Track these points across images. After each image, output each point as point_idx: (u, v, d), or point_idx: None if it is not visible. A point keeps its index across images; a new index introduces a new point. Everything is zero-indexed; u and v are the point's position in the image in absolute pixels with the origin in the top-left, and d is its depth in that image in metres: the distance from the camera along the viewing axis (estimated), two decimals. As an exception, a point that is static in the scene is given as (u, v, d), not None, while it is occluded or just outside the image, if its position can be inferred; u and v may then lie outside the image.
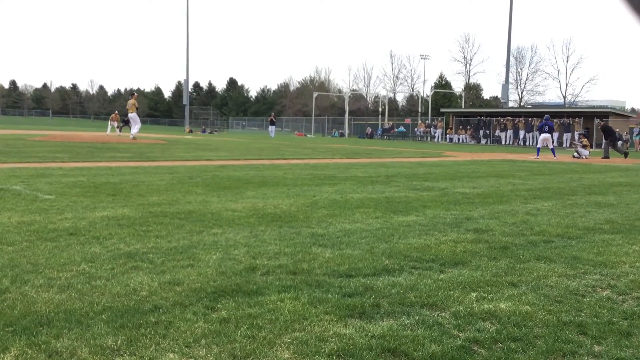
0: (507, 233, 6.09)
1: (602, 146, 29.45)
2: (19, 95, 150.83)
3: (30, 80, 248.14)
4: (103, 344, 2.81)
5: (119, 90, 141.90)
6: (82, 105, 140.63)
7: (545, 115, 26.99)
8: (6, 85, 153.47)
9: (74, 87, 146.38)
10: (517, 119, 46.25)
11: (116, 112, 41.72)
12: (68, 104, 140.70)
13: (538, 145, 25.77)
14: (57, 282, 3.79)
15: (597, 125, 32.62)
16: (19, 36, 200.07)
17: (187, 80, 68.28)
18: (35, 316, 3.15)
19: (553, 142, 26.18)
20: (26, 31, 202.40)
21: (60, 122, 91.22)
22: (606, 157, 25.48)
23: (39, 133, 32.99)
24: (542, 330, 3.23)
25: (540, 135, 25.72)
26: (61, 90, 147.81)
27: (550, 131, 25.28)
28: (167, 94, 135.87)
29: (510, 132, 46.24)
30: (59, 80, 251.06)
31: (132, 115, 28.45)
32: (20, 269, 4.05)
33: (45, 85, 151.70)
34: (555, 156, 23.93)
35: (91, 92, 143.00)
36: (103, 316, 3.18)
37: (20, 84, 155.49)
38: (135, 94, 32.81)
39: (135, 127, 28.46)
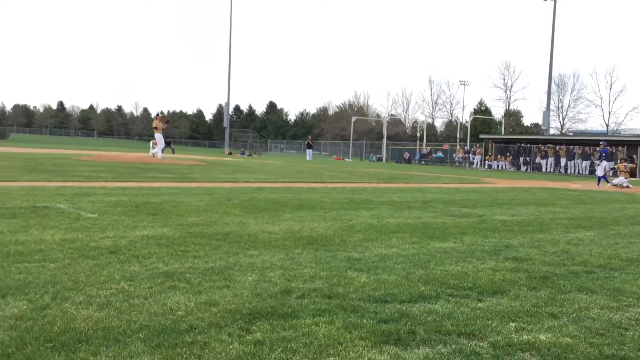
0: (547, 262, 5.96)
1: None
2: (66, 116, 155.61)
3: (77, 101, 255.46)
4: (139, 362, 2.84)
5: (162, 112, 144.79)
6: (126, 127, 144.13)
7: (604, 142, 26.47)
8: (54, 106, 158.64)
9: (119, 108, 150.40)
10: (558, 147, 45.47)
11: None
12: (113, 125, 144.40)
13: (601, 173, 24.90)
14: (96, 299, 3.86)
15: None
16: (67, 59, 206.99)
17: (227, 104, 69.39)
18: (74, 333, 3.20)
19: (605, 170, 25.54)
20: (74, 54, 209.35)
21: (105, 143, 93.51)
22: None
23: (84, 153, 33.87)
24: (583, 363, 3.14)
25: (604, 162, 24.97)
26: (107, 111, 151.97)
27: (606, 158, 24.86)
28: (208, 116, 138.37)
29: (551, 160, 45.45)
30: (105, 102, 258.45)
31: (157, 136, 28.80)
32: (61, 286, 4.14)
33: (91, 107, 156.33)
34: (608, 183, 23.50)
35: (135, 114, 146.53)
36: (140, 335, 3.22)
37: (67, 105, 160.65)
38: (160, 115, 33.21)
39: (157, 147, 28.81)
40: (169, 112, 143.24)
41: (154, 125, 29.29)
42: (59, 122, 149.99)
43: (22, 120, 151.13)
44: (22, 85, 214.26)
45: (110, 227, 6.83)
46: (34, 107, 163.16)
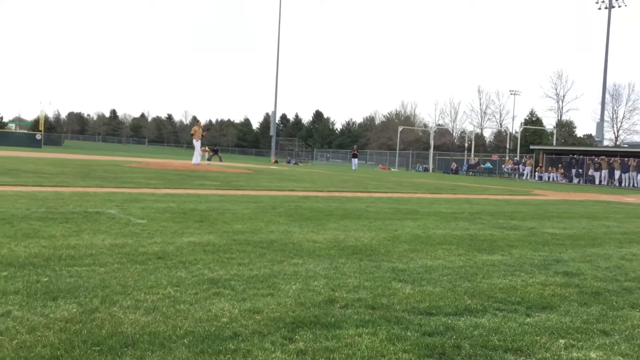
0: (599, 278, 5.77)
1: None
2: (118, 123, 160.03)
3: (129, 109, 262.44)
4: (183, 367, 2.87)
5: (210, 121, 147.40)
6: (176, 135, 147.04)
7: None
8: (107, 114, 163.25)
9: (169, 117, 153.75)
10: (612, 159, 44.15)
11: (206, 147, 43.60)
12: (163, 133, 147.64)
13: None
14: (143, 304, 3.93)
15: None
16: (121, 68, 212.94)
17: (274, 112, 70.06)
18: (121, 337, 3.26)
19: None
20: (128, 64, 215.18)
21: (155, 150, 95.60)
22: None
23: (135, 160, 34.69)
24: (637, 384, 3.02)
25: None
26: (157, 120, 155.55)
27: None
28: (255, 125, 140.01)
29: (604, 172, 44.14)
30: (155, 110, 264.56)
31: (195, 143, 29.03)
32: (110, 290, 4.23)
33: (142, 115, 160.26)
34: None
35: (185, 122, 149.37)
36: (185, 340, 3.25)
37: (120, 113, 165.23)
38: (199, 122, 33.55)
39: (194, 153, 29.02)
40: (217, 120, 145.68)
41: (192, 131, 29.62)
42: (112, 130, 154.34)
43: (76, 128, 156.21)
44: (77, 94, 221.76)
45: (159, 233, 6.96)
46: (88, 114, 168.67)
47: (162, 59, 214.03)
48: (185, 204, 10.53)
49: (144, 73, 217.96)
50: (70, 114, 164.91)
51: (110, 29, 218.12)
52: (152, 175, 19.52)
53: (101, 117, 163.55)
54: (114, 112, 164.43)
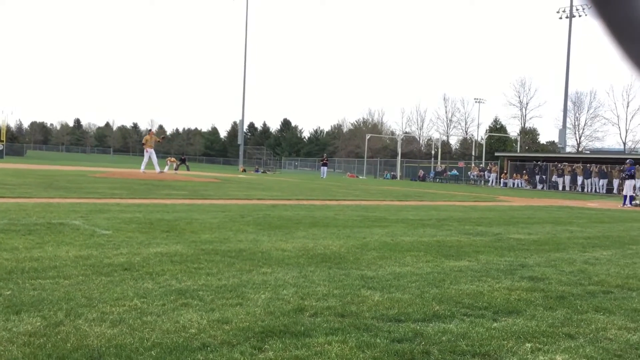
0: (564, 282, 5.88)
1: None
2: (82, 133, 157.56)
3: (93, 119, 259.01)
4: (151, 380, 2.83)
5: (177, 129, 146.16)
6: (141, 144, 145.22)
7: (631, 160, 25.94)
8: (71, 124, 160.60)
9: (135, 126, 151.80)
10: (574, 165, 45.12)
11: (173, 157, 43.34)
12: (129, 142, 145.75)
13: (631, 193, 24.32)
14: (109, 316, 3.86)
15: None
16: (84, 77, 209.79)
17: (242, 121, 69.85)
18: (87, 350, 3.20)
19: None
20: (91, 73, 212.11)
21: (120, 160, 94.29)
22: None
23: (100, 170, 34.15)
24: (601, 386, 3.08)
25: (630, 181, 24.35)
26: (122, 129, 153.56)
27: (633, 177, 24.34)
28: (222, 133, 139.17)
29: (567, 178, 45.08)
30: (120, 119, 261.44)
31: (148, 151, 28.87)
32: (75, 303, 4.15)
33: (107, 124, 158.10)
34: (630, 204, 23.08)
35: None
36: (152, 352, 3.21)
37: (84, 123, 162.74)
38: (152, 131, 33.42)
39: (143, 162, 28.87)
40: (184, 129, 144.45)
41: (143, 140, 29.48)
42: (76, 140, 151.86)
43: (39, 138, 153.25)
44: (39, 103, 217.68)
45: (124, 243, 6.85)
46: (51, 124, 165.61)
47: (127, 67, 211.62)
48: (151, 214, 10.40)
49: (108, 81, 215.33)
50: (33, 124, 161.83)
51: (73, 37, 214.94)
52: (117, 185, 19.24)
53: (65, 126, 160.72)
54: (77, 121, 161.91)
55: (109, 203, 12.30)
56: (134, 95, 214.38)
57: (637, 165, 39.16)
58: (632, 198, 23.99)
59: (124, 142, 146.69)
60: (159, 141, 30.23)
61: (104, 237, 7.32)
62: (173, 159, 42.66)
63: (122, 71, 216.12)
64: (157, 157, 30.42)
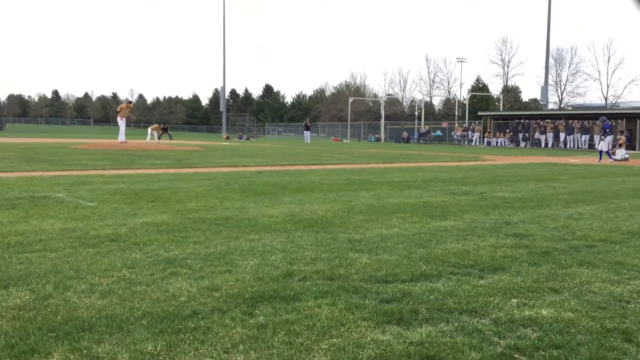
0: (548, 238, 5.96)
1: None
2: (61, 104, 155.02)
3: (72, 89, 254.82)
4: (143, 349, 2.85)
5: (157, 98, 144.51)
6: (116, 111, 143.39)
7: (604, 117, 26.00)
8: (49, 95, 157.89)
9: (114, 96, 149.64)
10: (557, 122, 45.40)
11: (156, 124, 42.65)
12: (109, 113, 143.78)
13: (604, 148, 24.46)
14: (98, 287, 3.86)
15: None
16: (61, 47, 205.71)
17: (224, 88, 69.15)
18: (77, 321, 3.21)
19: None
20: (68, 42, 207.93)
21: (101, 131, 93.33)
22: None
23: (81, 141, 33.77)
24: (585, 337, 3.15)
25: (605, 137, 24.47)
26: (102, 99, 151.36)
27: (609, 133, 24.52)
28: (204, 101, 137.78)
29: (550, 135, 45.41)
30: (100, 89, 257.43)
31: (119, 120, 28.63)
32: (63, 275, 4.14)
33: (86, 95, 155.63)
34: (610, 158, 23.36)
35: (131, 101, 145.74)
36: (143, 321, 3.22)
37: (62, 94, 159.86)
38: (131, 103, 32.97)
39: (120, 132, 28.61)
40: (164, 97, 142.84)
41: (118, 108, 29.19)
42: (55, 111, 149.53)
43: (17, 110, 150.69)
44: (16, 75, 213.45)
45: (110, 215, 6.82)
46: (29, 96, 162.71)
47: (105, 35, 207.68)
48: (136, 184, 10.35)
49: (86, 50, 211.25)
50: (10, 97, 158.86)
51: (48, 5, 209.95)
52: (99, 156, 19.06)
53: (43, 98, 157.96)
54: (56, 92, 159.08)
55: (92, 175, 12.20)
56: (112, 64, 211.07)
57: (612, 121, 39.57)
58: (608, 153, 24.22)
59: (104, 112, 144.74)
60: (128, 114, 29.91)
61: (88, 209, 7.28)
62: (156, 125, 42.07)
63: (100, 39, 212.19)
64: (140, 127, 30.10)
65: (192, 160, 18.12)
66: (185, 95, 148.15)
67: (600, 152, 24.31)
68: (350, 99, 74.09)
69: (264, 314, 3.40)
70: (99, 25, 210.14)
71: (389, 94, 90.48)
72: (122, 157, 18.70)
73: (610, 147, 24.28)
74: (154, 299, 3.64)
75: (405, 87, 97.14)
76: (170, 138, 47.01)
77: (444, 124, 62.03)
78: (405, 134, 59.92)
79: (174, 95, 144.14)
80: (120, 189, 9.53)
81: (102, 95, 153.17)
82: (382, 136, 64.55)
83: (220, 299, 3.66)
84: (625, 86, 77.43)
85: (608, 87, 74.25)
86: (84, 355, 2.77)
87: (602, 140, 24.58)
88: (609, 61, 73.88)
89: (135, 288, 3.86)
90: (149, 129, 40.05)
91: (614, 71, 75.77)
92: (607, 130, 24.48)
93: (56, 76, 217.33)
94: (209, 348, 2.89)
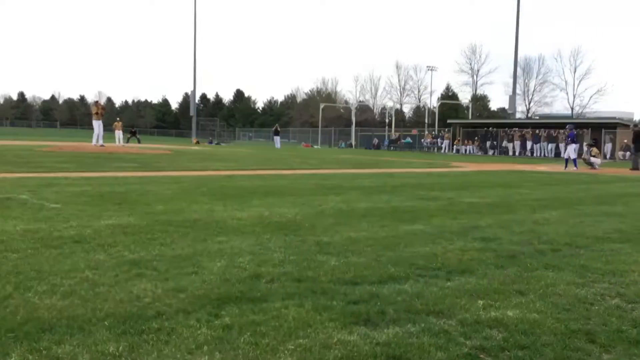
0: (514, 242, 6.03)
1: (630, 156, 28.38)
2: (27, 107, 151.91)
3: (38, 92, 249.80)
4: (105, 350, 2.79)
5: (126, 102, 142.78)
6: (90, 117, 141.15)
7: (570, 126, 26.31)
8: (15, 97, 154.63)
9: (82, 98, 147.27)
10: (524, 130, 46.16)
11: (118, 119, 41.11)
12: (76, 115, 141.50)
13: (571, 156, 24.74)
14: (60, 288, 3.77)
15: (632, 128, 31.60)
16: (27, 48, 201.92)
17: (194, 92, 68.65)
18: (38, 322, 3.12)
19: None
20: (35, 43, 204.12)
21: (68, 133, 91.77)
22: (636, 168, 24.25)
23: (47, 144, 33.15)
24: (550, 338, 3.18)
25: (572, 145, 24.71)
26: (69, 101, 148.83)
27: (574, 141, 24.83)
28: (174, 105, 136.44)
29: (517, 143, 46.13)
30: (67, 92, 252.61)
31: (95, 123, 28.15)
32: (24, 276, 4.03)
33: (53, 97, 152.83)
34: (576, 167, 23.73)
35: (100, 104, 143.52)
36: (105, 322, 3.15)
37: (28, 96, 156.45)
38: (98, 102, 32.36)
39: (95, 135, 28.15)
40: (133, 101, 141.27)
41: (94, 111, 28.62)
42: (20, 114, 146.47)
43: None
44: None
45: (74, 216, 6.69)
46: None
47: (72, 36, 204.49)
48: (102, 186, 10.18)
49: (53, 52, 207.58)
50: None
51: (14, 5, 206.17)
52: (65, 159, 18.73)
53: (8, 100, 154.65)
54: (22, 94, 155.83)
55: (57, 177, 11.96)
56: (80, 66, 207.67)
57: (578, 129, 40.28)
58: (575, 161, 24.60)
59: (71, 115, 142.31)
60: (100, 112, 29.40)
61: (53, 210, 7.13)
62: (117, 123, 39.30)
63: (67, 40, 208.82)
64: (108, 130, 29.68)
65: (160, 164, 17.92)
66: (155, 99, 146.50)
67: (567, 160, 24.69)
68: (322, 105, 74.20)
69: (230, 315, 3.36)
70: (66, 25, 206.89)
71: (360, 101, 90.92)
72: (88, 160, 18.40)
73: (576, 155, 24.64)
74: (117, 300, 3.57)
75: (376, 94, 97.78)
76: (139, 142, 46.44)
77: (414, 131, 62.60)
78: (375, 141, 60.22)
79: (143, 99, 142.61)
80: (86, 191, 9.36)
81: (70, 98, 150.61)
82: (353, 142, 64.80)
83: (186, 300, 3.60)
84: (591, 96, 78.46)
85: (574, 97, 75.75)
86: (43, 356, 2.70)
87: (567, 148, 24.96)
88: (575, 71, 75.43)
89: (98, 289, 3.78)
90: (115, 132, 38.43)
91: (580, 81, 77.23)
92: (572, 138, 24.86)
93: (22, 78, 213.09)
94: (173, 349, 2.83)
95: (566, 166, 24.06)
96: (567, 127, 26.39)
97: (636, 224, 7.64)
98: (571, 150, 24.64)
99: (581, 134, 41.90)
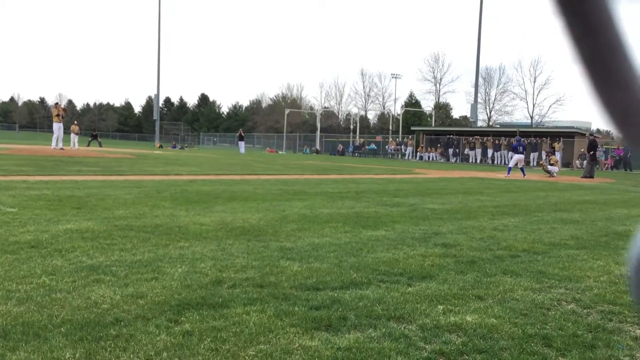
0: (474, 248, 6.13)
1: (585, 165, 28.99)
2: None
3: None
4: (60, 357, 2.73)
5: (87, 104, 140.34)
6: (50, 120, 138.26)
7: (518, 137, 26.84)
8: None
9: (42, 100, 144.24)
10: (485, 138, 46.98)
11: (75, 122, 40.01)
12: (35, 118, 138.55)
13: (511, 165, 25.08)
14: (15, 294, 3.68)
15: (587, 137, 32.21)
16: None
17: (157, 96, 67.83)
18: (-9, 329, 3.04)
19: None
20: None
21: (27, 136, 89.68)
22: (590, 176, 24.90)
23: (5, 147, 32.29)
24: (507, 342, 3.24)
25: (515, 155, 25.08)
26: (29, 104, 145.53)
27: (524, 151, 25.20)
28: (137, 109, 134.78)
29: (479, 151, 46.92)
30: (26, 93, 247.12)
31: (56, 125, 27.77)
32: (-23, 282, 3.92)
33: (12, 99, 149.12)
34: (524, 175, 24.16)
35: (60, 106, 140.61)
36: (62, 329, 3.09)
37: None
38: (58, 104, 31.89)
39: (54, 136, 27.71)
40: (95, 104, 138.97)
41: (54, 113, 28.17)
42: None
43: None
44: None
45: (32, 221, 6.54)
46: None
47: (32, 36, 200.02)
48: (60, 190, 9.97)
49: (12, 52, 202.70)
50: None
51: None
52: (23, 162, 18.28)
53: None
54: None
55: (15, 180, 11.67)
56: (40, 67, 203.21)
57: (537, 138, 41.08)
58: (509, 169, 24.84)
59: (30, 118, 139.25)
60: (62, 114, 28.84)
61: (9, 214, 6.95)
62: (74, 126, 38.12)
63: (27, 40, 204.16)
64: (68, 133, 29.09)
65: (122, 168, 17.64)
66: (117, 102, 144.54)
67: (509, 168, 24.85)
68: (287, 111, 74.22)
69: (190, 321, 3.33)
70: (26, 25, 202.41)
71: (325, 107, 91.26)
72: (47, 163, 18.00)
73: (518, 164, 24.89)
74: (74, 306, 3.50)
75: (341, 100, 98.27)
76: (100, 145, 45.66)
77: (378, 138, 63.05)
78: (340, 147, 60.47)
79: (105, 102, 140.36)
80: (44, 195, 9.15)
81: (29, 100, 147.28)
82: (317, 148, 64.93)
83: (145, 307, 3.55)
84: (550, 106, 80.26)
85: (534, 107, 77.37)
86: (-5, 364, 2.63)
87: (513, 156, 25.18)
88: (535, 81, 77.08)
89: (54, 295, 3.70)
90: (71, 135, 37.07)
91: (539, 91, 79.07)
92: (517, 148, 25.09)
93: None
94: (131, 355, 2.79)
95: (524, 174, 24.45)
96: (516, 138, 26.91)
97: (592, 231, 7.84)
98: (514, 160, 24.75)
99: (540, 142, 42.93)
